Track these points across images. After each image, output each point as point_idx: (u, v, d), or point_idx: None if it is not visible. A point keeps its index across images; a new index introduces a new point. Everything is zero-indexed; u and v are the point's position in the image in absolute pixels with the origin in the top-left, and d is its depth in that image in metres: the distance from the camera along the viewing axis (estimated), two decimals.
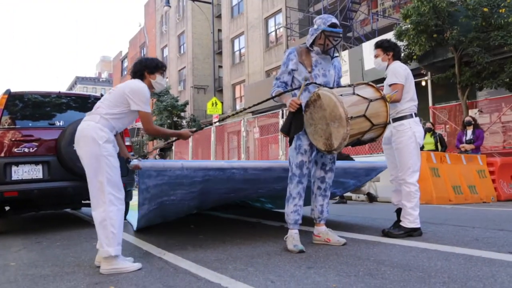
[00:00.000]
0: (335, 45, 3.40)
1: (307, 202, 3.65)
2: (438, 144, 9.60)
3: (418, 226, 3.76)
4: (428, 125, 10.14)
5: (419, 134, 3.78)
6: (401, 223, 3.80)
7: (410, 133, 3.73)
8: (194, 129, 3.77)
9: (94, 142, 2.93)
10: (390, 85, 3.78)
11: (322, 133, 3.19)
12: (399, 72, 3.76)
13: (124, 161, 3.30)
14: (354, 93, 3.18)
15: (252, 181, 4.19)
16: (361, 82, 3.43)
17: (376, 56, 3.96)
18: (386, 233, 3.81)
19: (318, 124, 3.22)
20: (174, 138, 3.77)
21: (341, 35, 3.44)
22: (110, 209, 2.90)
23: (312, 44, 3.44)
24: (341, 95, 3.10)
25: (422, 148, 9.70)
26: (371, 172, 4.92)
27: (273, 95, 3.48)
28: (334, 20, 3.40)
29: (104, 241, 2.87)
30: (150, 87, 3.24)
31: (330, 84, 3.47)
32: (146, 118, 3.15)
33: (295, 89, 3.45)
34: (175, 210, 4.48)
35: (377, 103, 3.20)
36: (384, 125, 3.27)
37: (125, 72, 42.62)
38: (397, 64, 3.84)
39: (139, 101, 3.07)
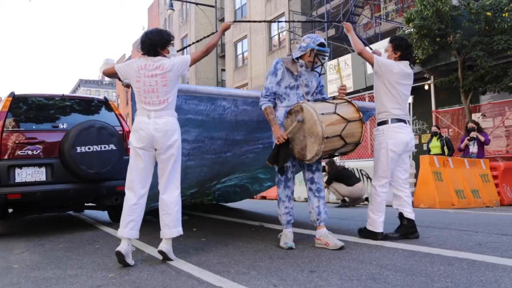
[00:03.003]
0: (323, 63, 3.63)
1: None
2: (445, 147, 9.62)
3: (378, 230, 3.77)
4: (434, 128, 10.22)
5: (394, 141, 3.72)
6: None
7: (381, 139, 3.80)
8: (233, 21, 3.85)
9: (179, 135, 3.29)
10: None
11: (299, 142, 3.41)
12: (386, 60, 3.79)
13: None
14: (335, 112, 3.35)
15: (245, 126, 4.17)
16: (344, 99, 3.59)
17: (385, 51, 3.96)
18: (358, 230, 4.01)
19: (296, 133, 3.42)
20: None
21: (327, 53, 3.63)
22: (180, 195, 3.30)
23: (298, 58, 3.61)
24: (322, 113, 3.26)
25: (429, 151, 9.77)
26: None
27: (263, 109, 3.60)
28: (322, 40, 3.59)
29: (176, 222, 3.23)
30: None
31: (311, 93, 3.68)
32: (196, 57, 3.44)
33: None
34: None
35: (355, 124, 3.42)
36: (356, 144, 3.49)
37: None
38: (396, 62, 3.79)
39: (185, 63, 3.34)
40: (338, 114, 3.36)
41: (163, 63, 3.24)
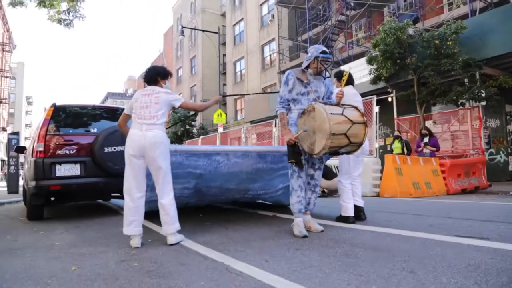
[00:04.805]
0: (326, 68, 3.46)
1: None
2: (405, 148, 9.72)
3: (348, 215, 3.87)
4: (396, 133, 10.38)
5: None
6: None
7: None
8: (222, 95, 3.82)
9: (167, 147, 3.15)
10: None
11: (309, 138, 3.24)
12: (337, 89, 3.80)
13: None
14: (342, 114, 3.19)
15: (236, 176, 4.13)
16: (351, 105, 3.43)
17: (334, 83, 4.13)
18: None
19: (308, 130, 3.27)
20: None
21: (330, 59, 3.47)
22: (173, 197, 3.18)
23: (307, 67, 3.48)
24: (331, 113, 3.11)
25: (391, 152, 9.84)
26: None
27: (278, 114, 3.50)
28: (324, 48, 3.45)
29: (175, 220, 3.13)
30: None
31: (321, 98, 3.51)
32: (189, 104, 3.38)
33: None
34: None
35: (359, 126, 3.22)
36: (359, 144, 3.28)
37: None
38: (347, 88, 3.89)
39: (179, 98, 3.29)
40: (345, 116, 3.19)
41: (159, 89, 3.26)
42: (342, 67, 15.05)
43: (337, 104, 3.41)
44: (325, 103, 3.43)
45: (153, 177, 3.17)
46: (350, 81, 4.02)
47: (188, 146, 3.78)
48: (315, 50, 3.44)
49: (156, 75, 3.28)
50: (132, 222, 3.09)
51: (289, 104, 3.51)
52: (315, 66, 3.42)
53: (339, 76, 4.05)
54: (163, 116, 3.18)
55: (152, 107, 3.15)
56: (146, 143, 3.05)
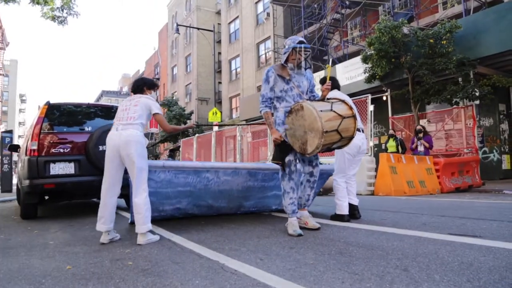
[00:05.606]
0: (306, 58, 3.31)
1: None
2: (399, 147, 9.78)
3: (344, 213, 3.88)
4: (391, 131, 10.43)
5: (349, 145, 3.59)
6: None
7: None
8: (197, 123, 3.87)
9: (142, 146, 3.15)
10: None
11: (300, 138, 3.13)
12: (333, 94, 3.83)
13: None
14: (331, 110, 3.09)
15: (227, 195, 4.10)
16: (337, 99, 3.35)
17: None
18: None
19: (297, 129, 3.14)
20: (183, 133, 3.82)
21: (309, 49, 3.31)
22: (148, 196, 3.15)
23: (286, 62, 3.33)
24: (321, 110, 3.01)
25: (386, 150, 9.92)
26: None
27: (262, 114, 3.36)
28: (301, 38, 3.29)
29: (145, 220, 3.09)
30: None
31: (304, 93, 3.37)
32: (163, 119, 3.39)
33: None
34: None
35: (348, 120, 3.14)
36: (350, 138, 3.21)
37: None
38: (333, 92, 3.89)
39: (158, 107, 3.35)
40: (334, 111, 3.08)
41: (141, 95, 3.37)
42: (338, 65, 15.09)
43: (323, 99, 3.34)
44: (311, 100, 3.34)
45: (130, 176, 3.16)
46: (335, 85, 4.02)
47: (176, 162, 3.77)
48: (292, 41, 3.30)
49: (142, 85, 3.42)
50: (101, 219, 3.16)
51: (272, 103, 3.36)
52: (294, 57, 3.28)
53: (323, 82, 3.92)
54: (141, 118, 3.22)
55: (130, 109, 3.25)
56: (121, 141, 3.09)
